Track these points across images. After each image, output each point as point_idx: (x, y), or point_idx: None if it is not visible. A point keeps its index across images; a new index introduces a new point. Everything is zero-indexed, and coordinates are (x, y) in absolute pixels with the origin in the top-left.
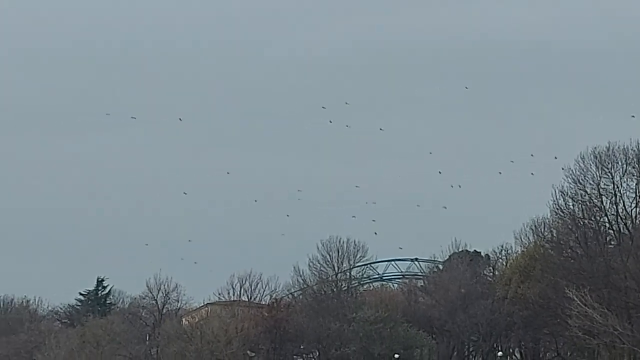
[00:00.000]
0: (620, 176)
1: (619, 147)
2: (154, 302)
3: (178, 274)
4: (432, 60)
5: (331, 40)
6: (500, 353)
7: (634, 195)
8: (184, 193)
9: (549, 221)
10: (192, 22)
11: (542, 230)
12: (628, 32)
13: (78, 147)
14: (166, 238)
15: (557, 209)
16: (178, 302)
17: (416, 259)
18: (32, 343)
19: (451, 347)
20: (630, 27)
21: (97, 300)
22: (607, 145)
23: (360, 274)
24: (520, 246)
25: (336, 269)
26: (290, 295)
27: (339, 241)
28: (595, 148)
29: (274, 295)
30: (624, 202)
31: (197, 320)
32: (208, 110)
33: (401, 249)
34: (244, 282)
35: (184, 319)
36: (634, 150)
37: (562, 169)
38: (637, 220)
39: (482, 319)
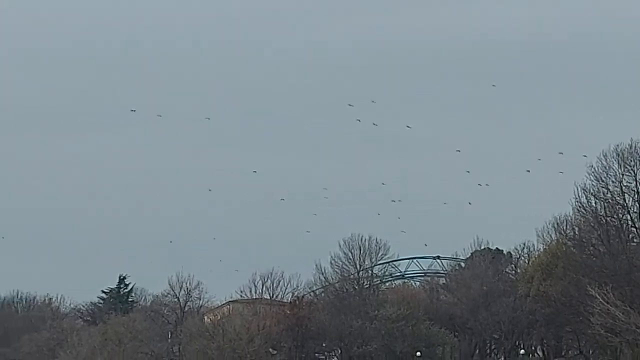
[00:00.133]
0: None
1: None
2: (176, 299)
3: (202, 271)
4: (457, 58)
5: (352, 37)
6: (522, 351)
7: None
8: (209, 190)
9: (571, 219)
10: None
11: (565, 228)
12: None
13: (105, 142)
14: (190, 236)
15: (580, 206)
16: (200, 299)
17: (438, 257)
18: (55, 341)
19: (473, 345)
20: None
21: (119, 298)
22: (630, 143)
23: (382, 271)
24: (543, 244)
25: (358, 266)
26: (312, 293)
27: (361, 239)
28: (617, 145)
29: (295, 293)
30: None
31: (219, 318)
32: (232, 109)
33: (426, 245)
34: (265, 280)
35: (206, 317)
36: None
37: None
38: None
39: (504, 317)
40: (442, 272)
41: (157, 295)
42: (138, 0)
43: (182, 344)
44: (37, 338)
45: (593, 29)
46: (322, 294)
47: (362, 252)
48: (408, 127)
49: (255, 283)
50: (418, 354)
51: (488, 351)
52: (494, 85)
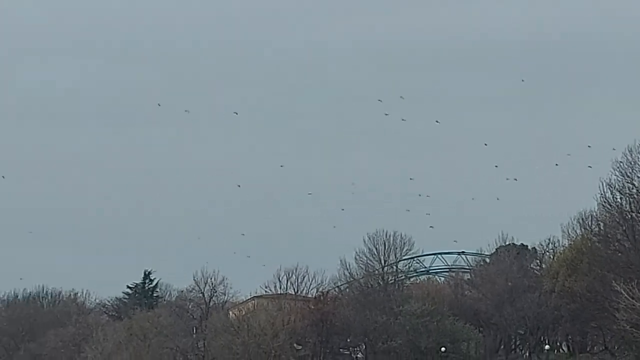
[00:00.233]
0: None
1: None
2: (200, 295)
3: (230, 267)
4: (485, 54)
5: (385, 30)
6: (547, 346)
7: None
8: (238, 185)
9: (596, 214)
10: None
11: (590, 223)
12: None
13: (131, 137)
14: (219, 231)
15: (605, 202)
16: (225, 295)
17: (463, 252)
18: (80, 336)
19: (498, 341)
20: None
21: (144, 293)
22: None
23: (407, 267)
24: (568, 239)
25: (383, 262)
26: (336, 289)
27: (386, 234)
28: None
29: (320, 289)
30: None
31: (244, 313)
32: (262, 103)
33: (456, 242)
34: (290, 275)
35: (230, 312)
36: None
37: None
38: None
39: (529, 312)
40: (466, 267)
41: (182, 291)
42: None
43: (207, 339)
44: (62, 333)
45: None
46: (347, 290)
47: (386, 247)
48: (437, 122)
49: (280, 278)
50: (443, 349)
51: (513, 347)
52: (523, 80)
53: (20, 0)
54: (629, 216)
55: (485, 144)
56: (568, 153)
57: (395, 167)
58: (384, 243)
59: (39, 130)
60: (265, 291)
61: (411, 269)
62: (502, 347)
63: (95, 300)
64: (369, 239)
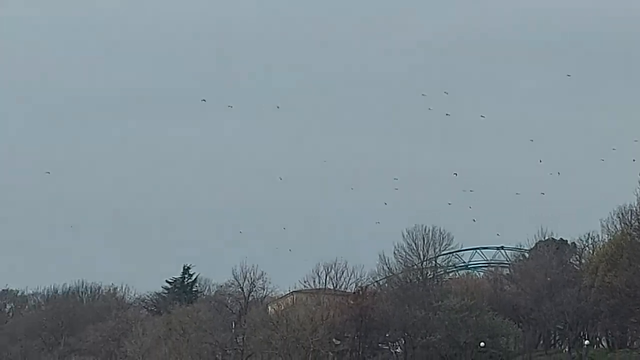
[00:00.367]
0: None
1: None
2: (239, 290)
3: (270, 262)
4: (531, 48)
5: (430, 25)
6: (586, 342)
7: None
8: (280, 178)
9: (636, 209)
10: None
11: (629, 218)
12: None
13: (175, 132)
14: (260, 226)
15: None
16: (264, 289)
17: (502, 247)
18: (120, 330)
19: (537, 336)
20: None
21: (183, 288)
22: None
23: (446, 262)
24: (607, 234)
25: (422, 257)
26: (375, 284)
27: (425, 229)
28: None
29: (359, 284)
30: None
31: (282, 308)
32: (305, 98)
33: (498, 235)
34: (329, 270)
35: (269, 307)
36: None
37: None
38: None
39: (568, 308)
40: (506, 262)
41: (221, 286)
42: None
43: (246, 334)
44: (102, 328)
45: None
46: (386, 285)
47: (425, 242)
48: (482, 117)
49: (319, 273)
50: (482, 344)
51: (552, 342)
52: (569, 75)
53: None
54: None
55: (531, 140)
56: (613, 147)
57: (439, 162)
58: (423, 238)
59: (81, 127)
60: (304, 286)
61: (450, 263)
62: (541, 342)
63: (134, 295)
64: (408, 233)
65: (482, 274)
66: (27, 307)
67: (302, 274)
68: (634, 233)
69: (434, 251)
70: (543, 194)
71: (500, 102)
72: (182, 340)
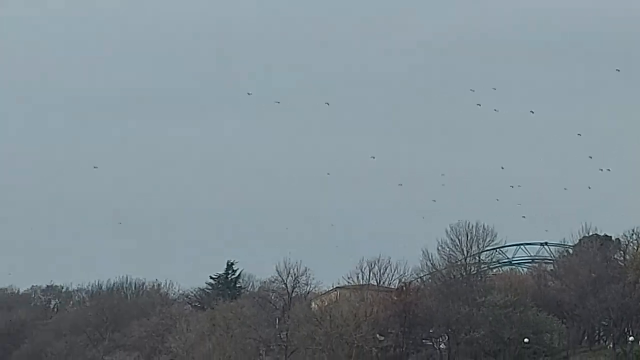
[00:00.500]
0: None
1: None
2: (283, 285)
3: (314, 257)
4: (580, 42)
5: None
6: (631, 338)
7: None
8: (327, 174)
9: None
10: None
11: None
12: None
13: (217, 127)
14: (306, 222)
15: None
16: (307, 285)
17: (546, 243)
18: (164, 326)
19: (581, 332)
20: None
21: (227, 284)
22: None
23: (490, 258)
24: None
25: (465, 252)
26: (419, 280)
27: (468, 225)
28: None
29: (403, 279)
30: None
31: (326, 304)
32: (352, 97)
33: (547, 231)
34: (372, 266)
35: (313, 303)
36: None
37: None
38: None
39: (613, 304)
40: (549, 258)
41: (264, 282)
42: None
43: (290, 329)
44: (146, 324)
45: None
46: (429, 280)
47: (469, 238)
48: (532, 112)
49: (362, 269)
50: (525, 340)
51: (596, 338)
52: (618, 70)
53: None
54: None
55: (579, 134)
56: None
57: (487, 157)
58: (467, 234)
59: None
60: (348, 282)
61: (494, 259)
62: (585, 338)
63: (178, 290)
64: (452, 229)
65: (525, 270)
66: (71, 303)
67: (347, 270)
68: None
69: (478, 247)
70: (589, 187)
71: (548, 97)
72: (226, 335)
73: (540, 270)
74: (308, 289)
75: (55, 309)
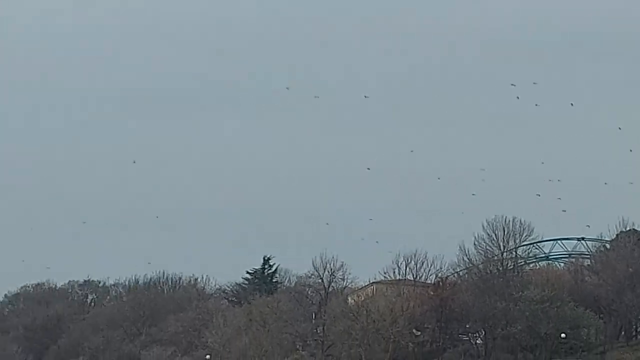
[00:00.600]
0: None
1: None
2: (319, 280)
3: (352, 252)
4: (617, 38)
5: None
6: None
7: None
8: (367, 169)
9: None
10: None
11: None
12: None
13: (255, 123)
14: (347, 217)
15: None
16: (344, 280)
17: (583, 238)
18: (200, 321)
19: (618, 327)
20: None
21: (264, 278)
22: None
23: (526, 253)
24: None
25: (502, 247)
26: (455, 275)
27: (505, 220)
28: None
29: (439, 274)
30: None
31: (362, 299)
32: (390, 89)
33: (588, 226)
34: (409, 260)
35: (349, 298)
36: None
37: None
38: None
39: None
40: (586, 253)
41: (301, 276)
42: None
43: (326, 324)
44: (183, 318)
45: None
46: (466, 275)
47: (506, 233)
48: (571, 104)
49: (399, 264)
50: (562, 335)
51: (634, 333)
52: None
53: None
54: None
55: (620, 128)
56: None
57: (527, 152)
58: (503, 229)
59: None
60: (384, 277)
61: (530, 254)
62: (622, 333)
63: (215, 285)
64: (488, 224)
65: (562, 265)
66: (108, 297)
67: (384, 265)
68: None
69: (514, 242)
70: (631, 183)
71: (588, 92)
72: (263, 330)
73: (577, 265)
74: (344, 283)
75: (92, 304)
